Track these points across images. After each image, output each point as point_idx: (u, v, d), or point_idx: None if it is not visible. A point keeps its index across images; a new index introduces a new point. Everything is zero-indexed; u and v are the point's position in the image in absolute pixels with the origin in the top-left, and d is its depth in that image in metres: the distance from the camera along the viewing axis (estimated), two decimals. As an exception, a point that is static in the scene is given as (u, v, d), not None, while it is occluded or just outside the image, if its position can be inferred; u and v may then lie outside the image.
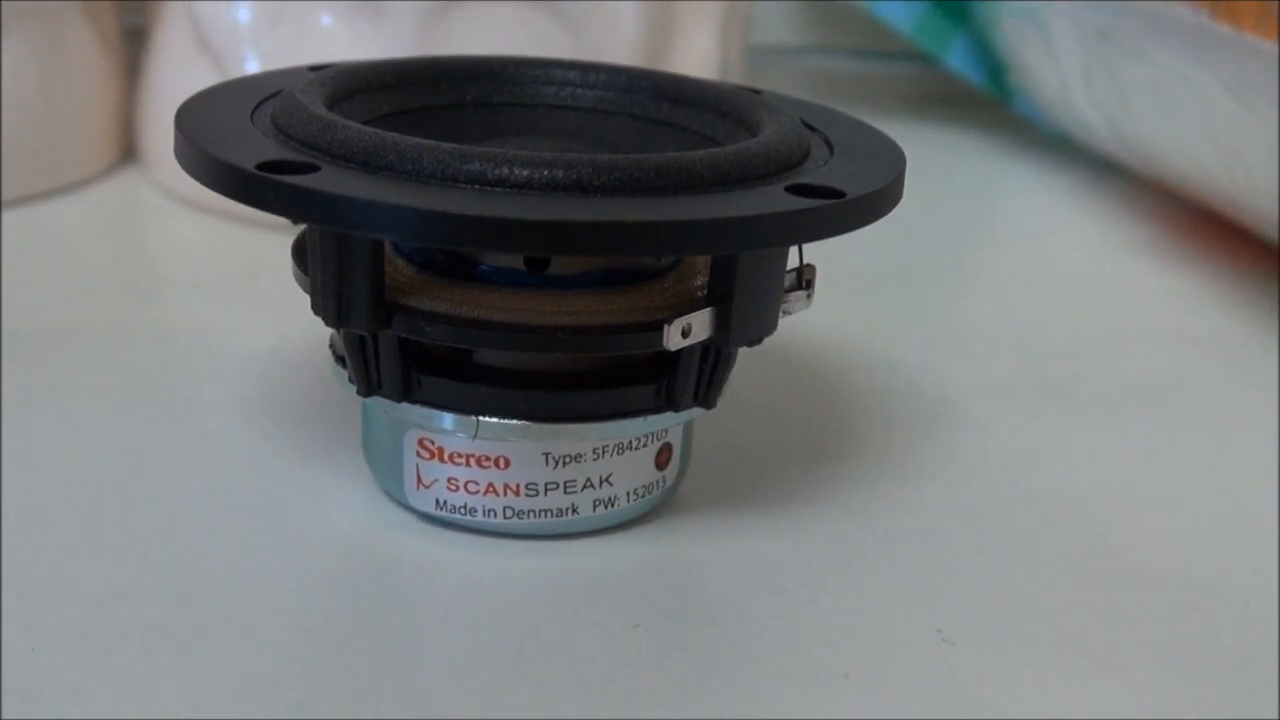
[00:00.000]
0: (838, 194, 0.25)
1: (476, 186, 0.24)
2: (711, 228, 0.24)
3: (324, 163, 0.25)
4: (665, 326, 0.25)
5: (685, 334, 0.26)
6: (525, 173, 0.24)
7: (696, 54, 0.47)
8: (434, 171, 0.25)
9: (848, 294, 0.42)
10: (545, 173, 0.24)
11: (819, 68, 0.66)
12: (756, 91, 0.31)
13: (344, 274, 0.25)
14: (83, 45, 0.46)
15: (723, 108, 0.30)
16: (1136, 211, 0.51)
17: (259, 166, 0.24)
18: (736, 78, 0.50)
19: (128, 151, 0.49)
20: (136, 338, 0.36)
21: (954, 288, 0.45)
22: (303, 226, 0.29)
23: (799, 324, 0.38)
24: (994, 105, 0.61)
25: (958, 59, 0.58)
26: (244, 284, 0.40)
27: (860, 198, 0.25)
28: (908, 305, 0.43)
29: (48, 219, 0.44)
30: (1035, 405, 0.36)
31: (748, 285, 0.26)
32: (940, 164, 0.56)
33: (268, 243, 0.42)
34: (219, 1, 0.43)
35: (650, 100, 0.31)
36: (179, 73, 0.45)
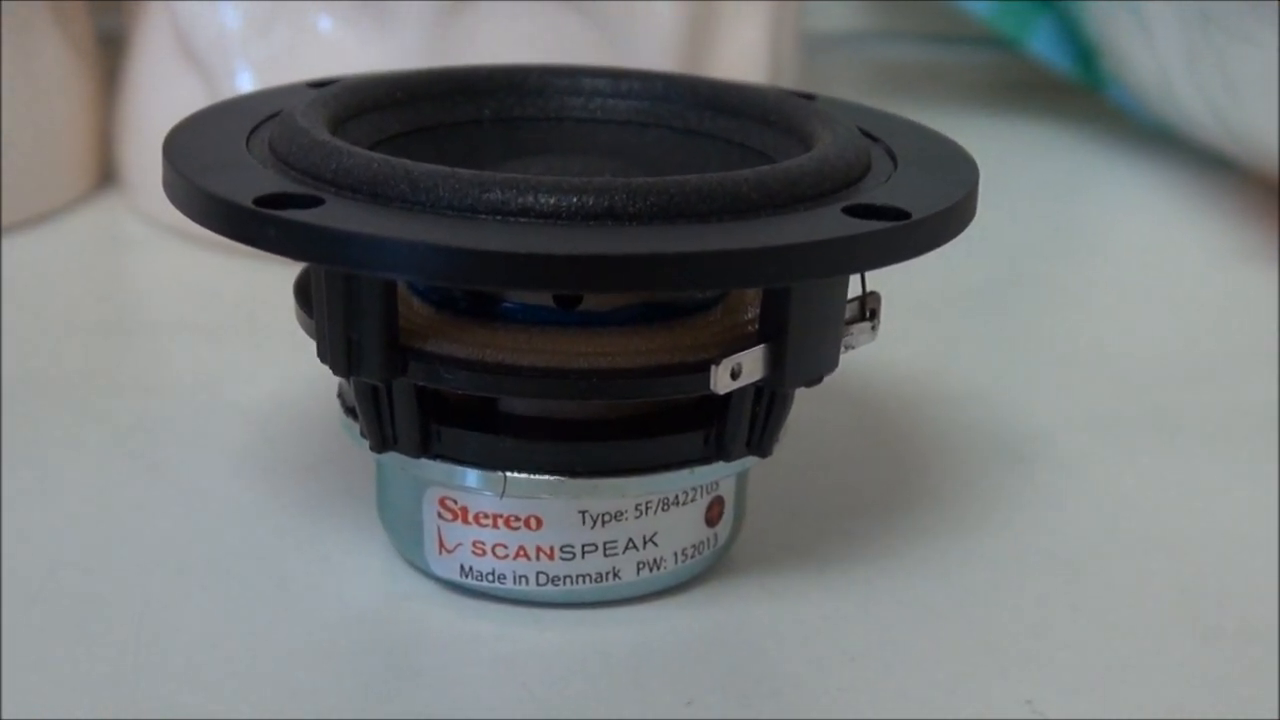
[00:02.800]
0: (902, 215, 0.26)
1: (498, 218, 0.25)
2: (761, 258, 0.24)
3: (329, 194, 0.26)
4: (713, 367, 0.26)
5: (735, 375, 0.26)
6: (552, 201, 0.25)
7: (743, 52, 0.47)
8: (451, 202, 0.25)
9: (917, 318, 0.42)
10: (575, 200, 0.25)
11: (883, 57, 0.66)
12: (809, 96, 0.32)
13: (353, 317, 0.26)
14: (53, 53, 0.47)
15: (771, 117, 0.31)
16: (1248, 212, 0.51)
17: (257, 201, 0.25)
18: (789, 75, 0.51)
19: (105, 175, 0.50)
20: (119, 387, 0.37)
21: (1040, 306, 0.45)
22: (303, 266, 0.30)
23: (863, 354, 0.38)
24: (1083, 94, 0.61)
25: (1042, 43, 0.59)
26: (240, 325, 0.41)
27: (928, 218, 0.26)
28: (987, 328, 0.43)
29: (16, 253, 0.45)
30: (1137, 441, 0.36)
31: (804, 319, 0.26)
32: (1022, 163, 0.56)
33: (265, 277, 0.42)
34: (203, 1, 0.44)
35: (690, 110, 0.32)
36: (162, 85, 0.46)
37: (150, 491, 0.32)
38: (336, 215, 0.25)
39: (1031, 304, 0.45)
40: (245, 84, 0.43)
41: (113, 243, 0.46)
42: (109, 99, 0.50)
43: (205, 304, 0.42)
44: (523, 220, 0.25)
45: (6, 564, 0.30)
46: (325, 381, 0.33)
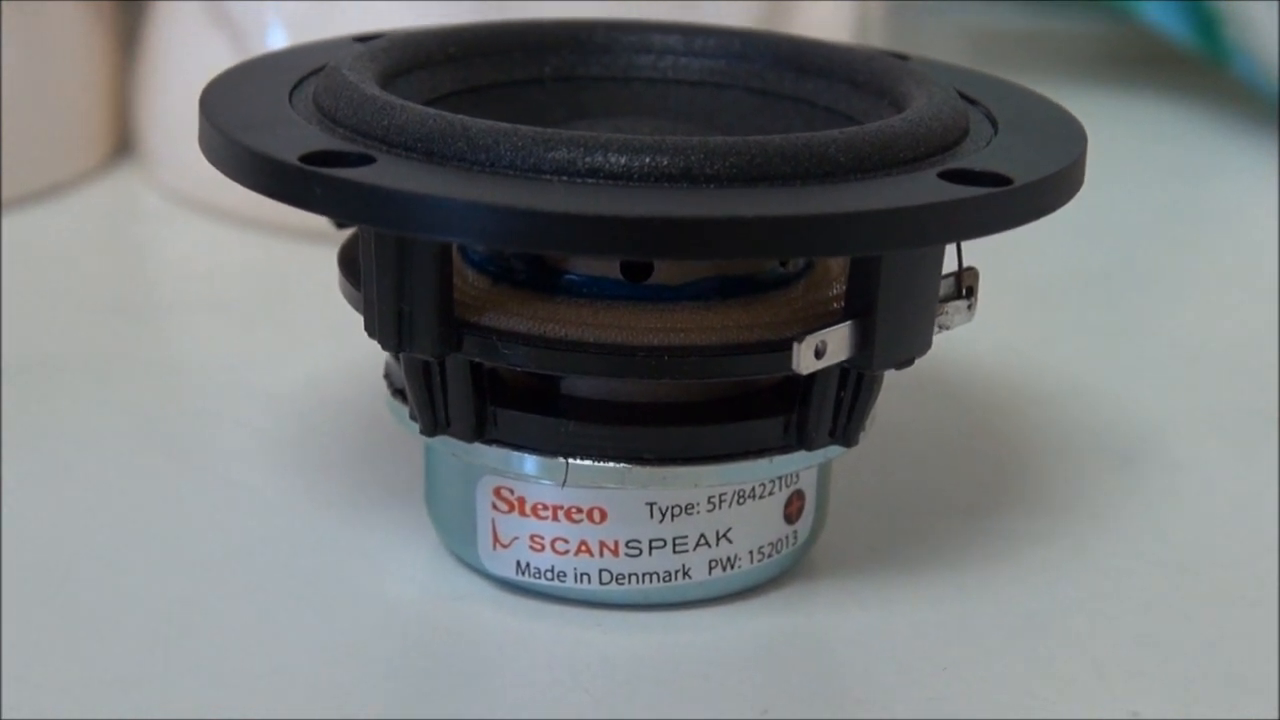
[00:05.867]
0: (1003, 180, 0.26)
1: (564, 178, 0.26)
2: (850, 223, 0.25)
3: (380, 152, 0.27)
4: (795, 345, 0.27)
5: (819, 354, 0.27)
6: (623, 161, 0.26)
7: (827, 11, 0.48)
8: (512, 161, 0.26)
9: (1020, 305, 0.43)
10: (648, 160, 0.26)
11: (981, 25, 0.67)
12: (902, 57, 0.33)
13: (405, 287, 0.27)
14: (66, 13, 0.49)
15: (859, 78, 0.31)
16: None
17: (303, 159, 0.26)
18: (877, 39, 0.51)
19: (122, 145, 0.51)
20: (142, 371, 0.38)
21: (1154, 296, 0.46)
22: (350, 231, 0.31)
23: (959, 343, 0.39)
24: (1204, 68, 0.62)
25: (1157, 9, 0.59)
26: (271, 305, 0.42)
27: (1031, 184, 0.27)
28: (1095, 319, 0.44)
29: (29, 227, 0.46)
30: (1255, 442, 0.37)
31: (894, 294, 0.27)
32: (1136, 142, 0.57)
33: (298, 254, 0.44)
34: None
35: (770, 70, 0.32)
36: (185, 48, 0.47)
37: (177, 482, 0.34)
38: (388, 174, 0.26)
39: (1144, 294, 0.46)
40: (278, 43, 0.44)
41: (130, 217, 0.48)
42: (127, 63, 0.51)
43: (232, 283, 0.43)
44: (590, 181, 0.26)
45: (31, 553, 0.31)
46: (361, 365, 0.35)
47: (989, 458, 0.36)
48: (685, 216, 0.25)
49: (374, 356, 0.31)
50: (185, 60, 0.47)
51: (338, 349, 0.38)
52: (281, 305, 0.42)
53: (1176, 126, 0.59)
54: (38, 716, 0.26)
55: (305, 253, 0.43)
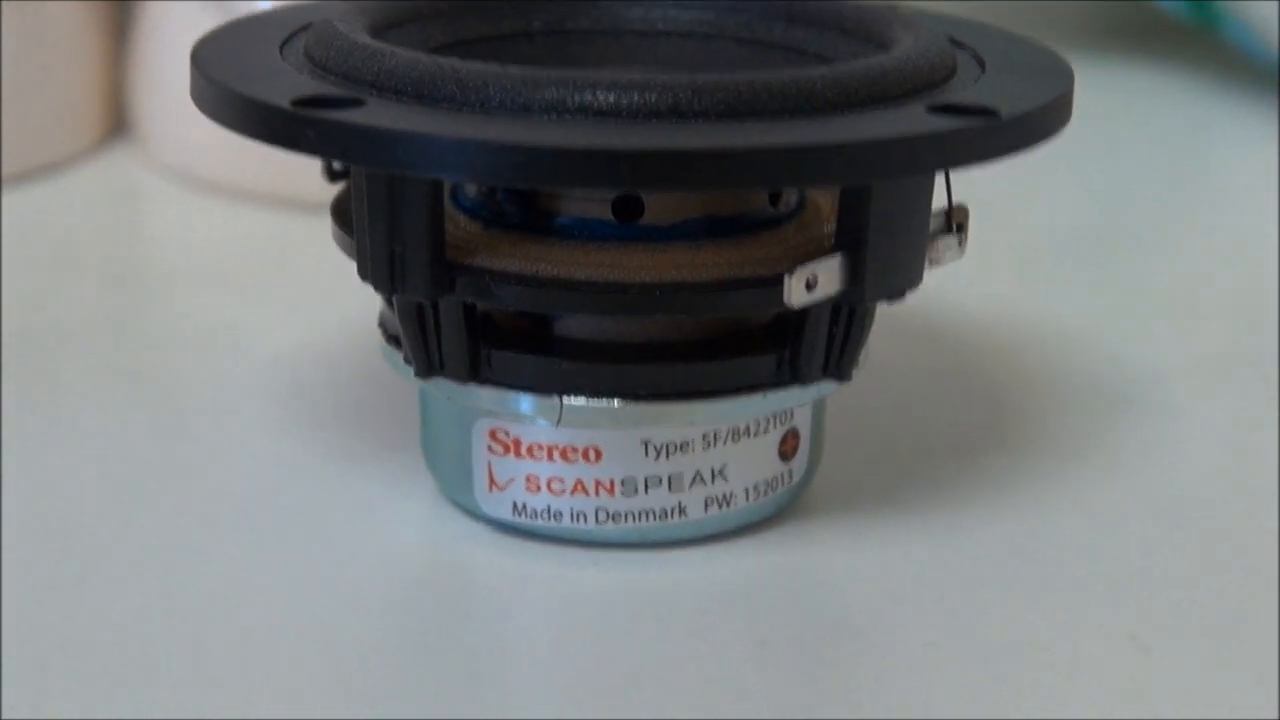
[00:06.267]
0: (990, 113, 0.27)
1: (554, 116, 0.27)
2: (838, 152, 0.26)
3: (370, 97, 0.27)
4: (786, 278, 0.27)
5: (810, 287, 0.28)
6: (612, 98, 0.27)
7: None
8: (502, 101, 0.27)
9: (1022, 261, 0.44)
10: (636, 97, 0.27)
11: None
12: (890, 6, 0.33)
13: (397, 228, 0.27)
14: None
15: (847, 25, 0.32)
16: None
17: (295, 103, 0.27)
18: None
19: (116, 125, 0.51)
20: (140, 337, 0.39)
21: (1152, 251, 0.46)
22: (341, 187, 0.31)
23: (959, 297, 0.40)
24: (1198, 36, 0.62)
25: (1149, -23, 0.60)
26: (265, 274, 0.43)
27: (1017, 116, 0.27)
28: (1095, 272, 0.44)
29: (24, 205, 0.46)
30: (1254, 387, 0.37)
31: (884, 225, 0.28)
32: (1132, 109, 0.58)
33: (291, 225, 0.44)
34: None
35: (759, 20, 0.33)
36: (179, 29, 0.48)
37: (178, 440, 0.34)
38: (379, 115, 0.26)
39: (1143, 249, 0.47)
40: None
41: (126, 193, 0.48)
42: (121, 44, 0.51)
43: (227, 254, 0.44)
44: (580, 118, 0.27)
45: (33, 515, 0.31)
46: (357, 326, 0.35)
47: (987, 401, 0.36)
48: (674, 148, 0.26)
49: (369, 317, 0.31)
50: (178, 40, 0.47)
51: (333, 313, 0.38)
52: (276, 273, 0.43)
53: (1171, 92, 0.60)
54: (42, 666, 0.27)
55: (298, 223, 0.44)
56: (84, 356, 0.38)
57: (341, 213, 0.30)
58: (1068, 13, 0.66)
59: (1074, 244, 0.46)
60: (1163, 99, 0.59)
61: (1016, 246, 0.45)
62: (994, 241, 0.44)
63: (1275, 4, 0.54)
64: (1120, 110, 0.57)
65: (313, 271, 0.41)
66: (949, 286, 0.39)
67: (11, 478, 0.32)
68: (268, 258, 0.43)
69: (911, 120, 0.27)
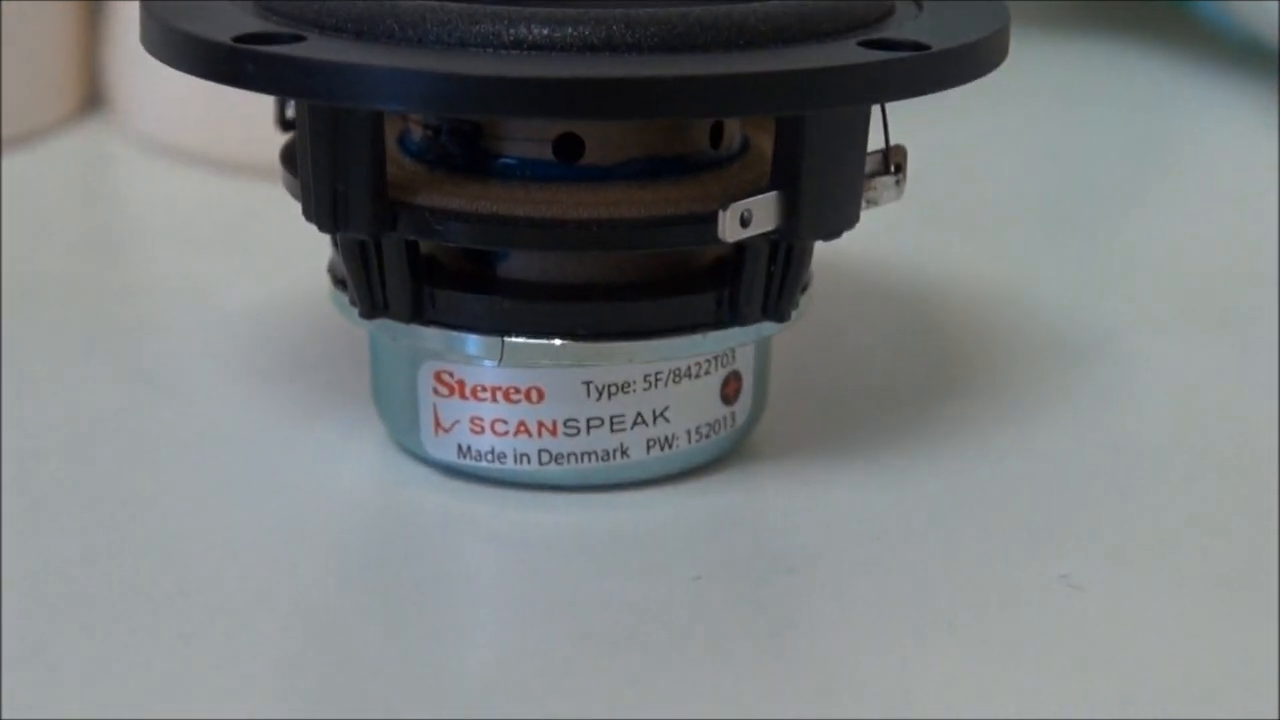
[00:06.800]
0: (921, 47, 0.27)
1: (490, 50, 0.27)
2: (768, 82, 0.26)
3: (312, 34, 0.28)
4: (720, 213, 0.27)
5: (745, 223, 0.28)
6: (545, 32, 0.27)
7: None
8: (439, 37, 0.27)
9: (982, 224, 0.44)
10: (570, 30, 0.27)
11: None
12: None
13: (339, 164, 0.28)
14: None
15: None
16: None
17: (236, 39, 0.27)
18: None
19: (90, 97, 0.52)
20: (107, 295, 0.39)
21: (1112, 217, 0.47)
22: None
23: (916, 258, 0.40)
24: (1166, 11, 0.62)
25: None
26: (230, 237, 0.43)
27: (948, 50, 0.27)
28: (1056, 236, 0.45)
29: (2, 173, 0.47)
30: (1204, 340, 0.38)
31: (818, 162, 0.28)
32: (1100, 84, 0.58)
33: (257, 193, 0.44)
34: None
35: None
36: None
37: (138, 390, 0.34)
38: (319, 49, 0.27)
39: (1102, 215, 0.47)
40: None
41: (99, 164, 0.49)
42: (94, 18, 0.52)
43: (194, 219, 0.44)
44: (515, 52, 0.27)
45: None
46: (315, 286, 0.35)
47: (937, 352, 0.36)
48: (606, 76, 0.26)
49: (321, 282, 0.32)
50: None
51: (296, 272, 0.39)
52: (240, 237, 0.43)
53: (1140, 66, 0.60)
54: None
55: (265, 189, 0.44)
56: (47, 310, 0.38)
57: (291, 159, 0.31)
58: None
59: (1036, 207, 0.46)
60: (1133, 73, 0.59)
61: (978, 208, 0.45)
62: (955, 203, 0.44)
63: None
64: (1087, 81, 0.58)
65: (278, 234, 0.41)
66: (907, 244, 0.40)
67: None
68: (236, 222, 0.44)
69: (842, 53, 0.27)
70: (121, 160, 0.48)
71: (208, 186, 0.46)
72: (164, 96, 0.47)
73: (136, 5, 0.48)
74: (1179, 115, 0.56)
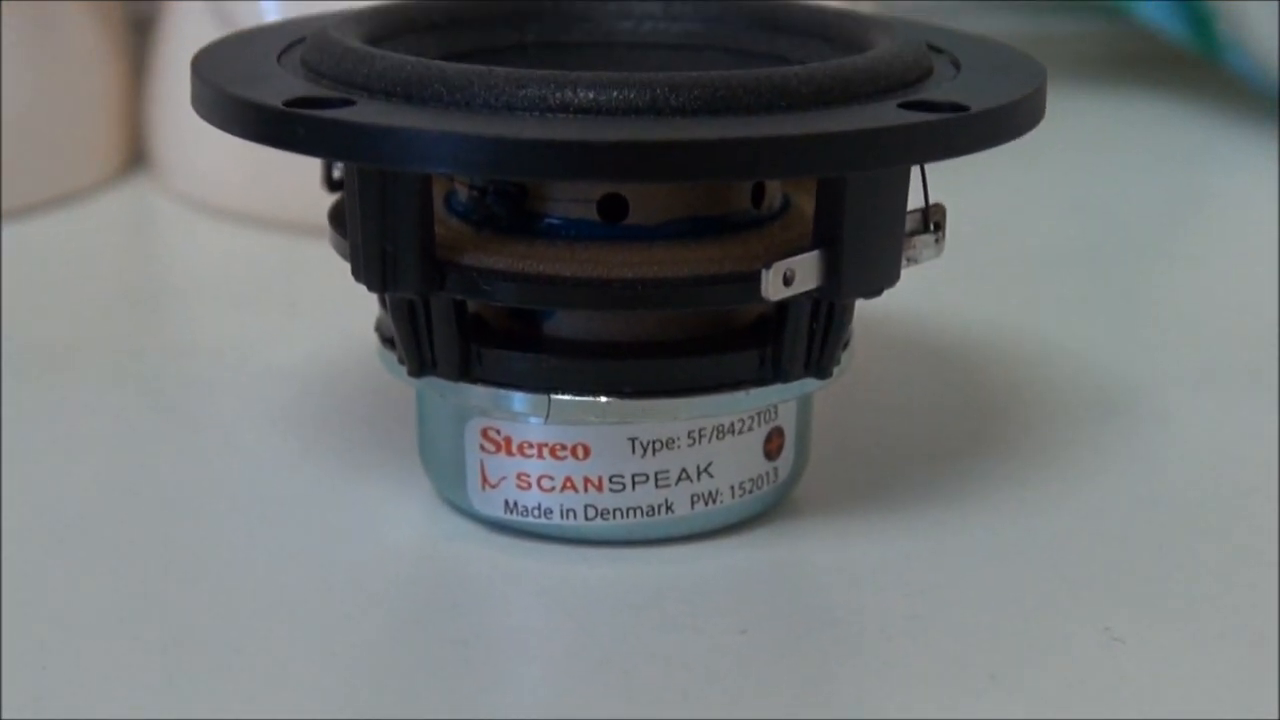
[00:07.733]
0: (960, 108, 0.27)
1: (536, 113, 0.27)
2: (810, 144, 0.26)
3: (361, 98, 0.28)
4: (763, 272, 0.28)
5: (788, 281, 0.28)
6: (591, 95, 0.27)
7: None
8: (486, 100, 0.27)
9: (1018, 278, 0.44)
10: (615, 94, 0.27)
11: (980, 26, 0.68)
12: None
13: (388, 225, 0.28)
14: (83, 35, 0.50)
15: (831, 32, 0.32)
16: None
17: (287, 103, 0.27)
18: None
19: (135, 156, 0.52)
20: (153, 353, 0.40)
21: (1146, 271, 0.47)
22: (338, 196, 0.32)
23: (954, 312, 0.40)
24: (1198, 64, 0.63)
25: (1152, 9, 0.60)
26: (274, 293, 0.43)
27: (988, 111, 0.28)
28: (1091, 290, 0.45)
29: (48, 231, 0.47)
30: (1241, 398, 0.38)
31: (860, 221, 0.28)
32: (1133, 137, 0.58)
33: (299, 249, 0.45)
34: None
35: (746, 31, 0.34)
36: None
37: (187, 446, 0.35)
38: (368, 113, 0.27)
39: (1137, 268, 0.47)
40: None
41: (144, 221, 0.49)
42: (139, 78, 0.52)
43: (238, 275, 0.45)
44: (561, 115, 0.27)
45: (50, 516, 0.32)
46: (359, 342, 0.36)
47: (976, 408, 0.36)
48: (651, 140, 0.26)
49: (366, 338, 0.32)
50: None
51: (340, 329, 0.39)
52: (284, 293, 0.43)
53: (1172, 119, 0.60)
54: (43, 662, 0.27)
55: (307, 246, 0.45)
56: (97, 369, 0.38)
57: (339, 219, 0.31)
58: (1073, 44, 0.67)
59: (1071, 261, 0.47)
60: (1164, 125, 0.59)
61: (1014, 263, 0.45)
62: (992, 258, 0.45)
63: (1276, 33, 0.54)
64: (1121, 136, 0.58)
65: (321, 291, 0.41)
66: (946, 299, 0.40)
67: (28, 479, 0.33)
68: (278, 279, 0.44)
69: (882, 114, 0.27)
70: (165, 218, 0.49)
71: (250, 244, 0.46)
72: (207, 156, 0.48)
73: (180, 67, 0.49)
74: (1213, 169, 0.56)
